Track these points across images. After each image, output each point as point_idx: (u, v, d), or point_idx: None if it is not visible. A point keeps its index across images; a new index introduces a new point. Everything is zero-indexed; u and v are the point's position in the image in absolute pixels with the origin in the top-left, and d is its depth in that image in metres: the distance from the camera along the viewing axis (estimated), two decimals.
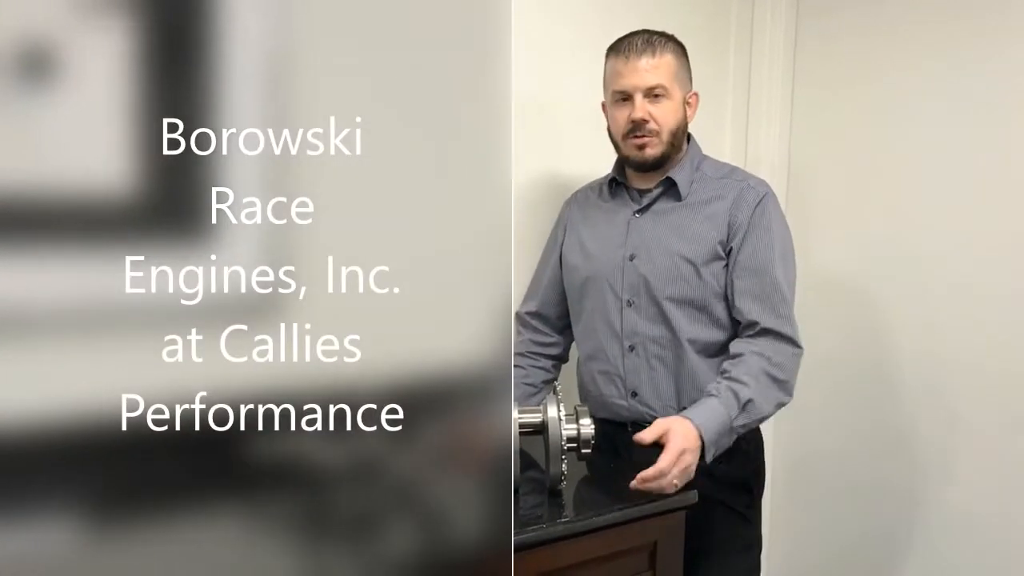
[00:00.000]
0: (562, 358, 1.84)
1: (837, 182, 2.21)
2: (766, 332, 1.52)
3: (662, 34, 1.61)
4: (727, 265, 1.58)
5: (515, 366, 1.78)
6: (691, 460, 1.37)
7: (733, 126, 2.35)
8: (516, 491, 1.43)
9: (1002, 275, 1.89)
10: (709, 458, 1.42)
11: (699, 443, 1.39)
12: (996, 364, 1.90)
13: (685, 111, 1.62)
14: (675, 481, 1.36)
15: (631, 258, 1.62)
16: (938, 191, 1.99)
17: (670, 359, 1.60)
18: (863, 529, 2.17)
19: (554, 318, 1.80)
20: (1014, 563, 1.89)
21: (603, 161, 1.78)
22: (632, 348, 1.62)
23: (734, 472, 1.54)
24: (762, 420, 1.50)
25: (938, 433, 2.01)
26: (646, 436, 1.39)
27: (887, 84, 2.10)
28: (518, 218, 1.95)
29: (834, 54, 2.22)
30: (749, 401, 1.44)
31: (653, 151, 1.59)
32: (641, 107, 1.57)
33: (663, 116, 1.58)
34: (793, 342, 1.53)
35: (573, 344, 1.83)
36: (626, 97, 1.59)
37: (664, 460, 1.34)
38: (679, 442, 1.36)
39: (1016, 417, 1.87)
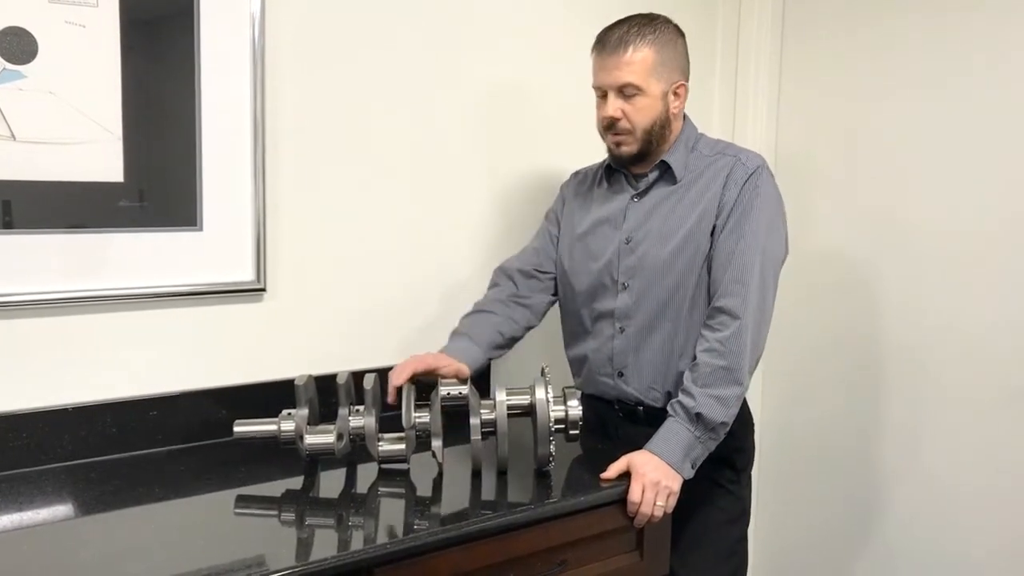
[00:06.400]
0: (532, 323, 1.76)
1: (823, 165, 2.22)
2: (716, 311, 1.53)
3: (645, 24, 1.55)
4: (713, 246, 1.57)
5: (488, 311, 1.70)
6: (658, 477, 1.42)
7: (720, 110, 2.35)
8: (504, 472, 1.45)
9: (987, 252, 1.90)
10: (688, 473, 1.47)
11: (662, 465, 1.44)
12: (980, 338, 1.92)
13: (667, 103, 1.59)
14: (658, 503, 1.42)
15: (627, 241, 1.62)
16: (924, 174, 2.00)
17: (659, 342, 1.61)
18: (847, 501, 2.20)
19: (544, 280, 1.76)
20: (994, 534, 1.92)
21: (591, 149, 1.77)
22: (623, 330, 1.63)
23: (717, 448, 1.54)
24: (724, 422, 1.50)
25: (923, 406, 2.03)
26: (610, 473, 1.45)
27: (873, 66, 2.10)
28: (510, 205, 1.97)
29: (821, 37, 2.22)
30: (698, 414, 1.47)
31: (628, 148, 1.59)
32: (612, 105, 1.56)
33: (636, 114, 1.56)
34: (733, 314, 1.49)
35: (544, 319, 1.78)
36: (603, 94, 1.58)
37: (632, 493, 1.42)
38: (638, 469, 1.43)
39: (1000, 390, 1.90)
